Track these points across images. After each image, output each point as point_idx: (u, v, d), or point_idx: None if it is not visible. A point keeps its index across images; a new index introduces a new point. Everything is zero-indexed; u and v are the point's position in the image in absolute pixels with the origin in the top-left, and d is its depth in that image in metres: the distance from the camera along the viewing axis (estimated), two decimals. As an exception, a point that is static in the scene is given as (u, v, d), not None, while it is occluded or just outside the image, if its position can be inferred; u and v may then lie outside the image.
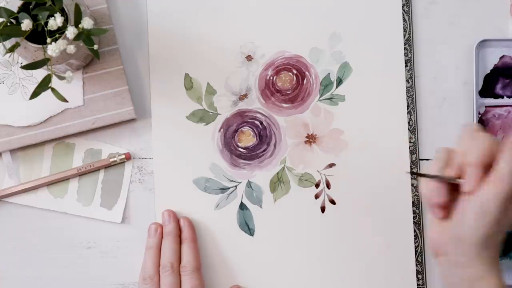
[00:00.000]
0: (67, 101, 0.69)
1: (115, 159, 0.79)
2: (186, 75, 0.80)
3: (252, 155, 0.79)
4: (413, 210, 0.78)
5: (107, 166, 0.79)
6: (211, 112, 0.80)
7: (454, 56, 0.80)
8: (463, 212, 0.65)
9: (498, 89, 0.79)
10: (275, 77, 0.80)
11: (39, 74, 0.78)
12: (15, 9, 0.69)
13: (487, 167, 0.63)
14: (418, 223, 0.78)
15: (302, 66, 0.80)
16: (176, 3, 0.81)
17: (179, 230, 0.77)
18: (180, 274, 0.75)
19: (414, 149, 0.78)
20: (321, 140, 0.79)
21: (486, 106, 0.79)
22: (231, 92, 0.80)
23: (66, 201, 0.79)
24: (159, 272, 0.75)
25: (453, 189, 0.65)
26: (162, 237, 0.77)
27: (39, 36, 0.68)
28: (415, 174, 0.75)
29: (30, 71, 0.79)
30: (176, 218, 0.78)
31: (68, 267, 0.79)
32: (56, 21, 0.66)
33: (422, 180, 0.67)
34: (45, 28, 0.67)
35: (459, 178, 0.64)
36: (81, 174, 0.79)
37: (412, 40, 0.79)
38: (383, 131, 0.79)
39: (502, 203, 0.63)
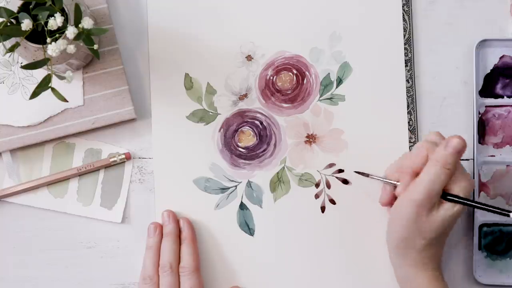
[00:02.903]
0: (67, 101, 0.69)
1: (115, 159, 0.79)
2: (186, 75, 0.80)
3: (252, 155, 0.79)
4: (413, 210, 0.78)
5: (107, 166, 0.79)
6: (211, 112, 0.80)
7: (454, 56, 0.80)
8: (391, 212, 0.72)
9: (498, 89, 0.79)
10: (275, 77, 0.80)
11: (39, 74, 0.78)
12: (15, 9, 0.69)
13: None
14: (418, 223, 0.78)
15: (302, 66, 0.80)
16: (176, 3, 0.81)
17: (179, 230, 0.77)
18: (179, 275, 0.75)
19: (414, 149, 0.78)
20: (321, 140, 0.79)
21: (486, 106, 0.79)
22: (231, 92, 0.80)
23: (66, 201, 0.79)
24: (159, 272, 0.75)
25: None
26: (161, 237, 0.77)
27: (39, 36, 0.68)
28: (361, 173, 0.77)
29: (30, 71, 0.79)
30: (175, 219, 0.78)
31: (68, 267, 0.79)
32: (56, 21, 0.66)
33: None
34: (45, 28, 0.67)
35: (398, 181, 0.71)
36: (81, 174, 0.79)
37: (412, 40, 0.79)
38: (383, 131, 0.79)
39: (414, 209, 0.68)
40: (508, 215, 0.67)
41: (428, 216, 0.68)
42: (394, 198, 0.72)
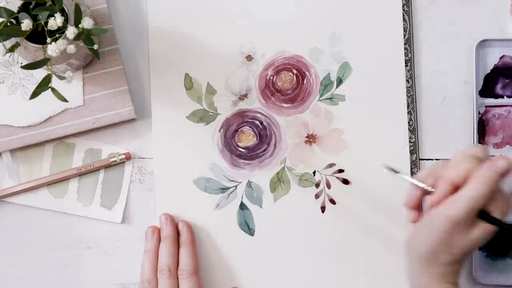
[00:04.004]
0: (67, 101, 0.69)
1: (115, 159, 0.79)
2: (186, 75, 0.80)
3: (252, 155, 0.79)
4: (413, 210, 0.78)
5: (107, 166, 0.79)
6: (211, 112, 0.80)
7: (454, 56, 0.80)
8: (420, 222, 0.68)
9: (498, 89, 0.79)
10: (275, 77, 0.80)
11: (39, 74, 0.78)
12: (15, 9, 0.69)
13: (458, 187, 0.65)
14: (418, 223, 0.78)
15: (302, 66, 0.80)
16: (176, 3, 0.80)
17: (177, 233, 0.77)
18: (178, 277, 0.75)
19: (414, 149, 0.78)
20: (321, 140, 0.79)
21: (486, 106, 0.79)
22: (231, 92, 0.80)
23: (66, 201, 0.79)
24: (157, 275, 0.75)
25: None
26: (159, 241, 0.77)
27: (39, 36, 0.68)
28: (391, 170, 0.72)
29: (30, 71, 0.79)
30: (173, 222, 0.77)
31: (68, 267, 0.79)
32: (56, 21, 0.66)
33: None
34: (45, 28, 0.67)
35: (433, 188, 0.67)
36: (81, 174, 0.79)
37: (412, 40, 0.79)
38: (383, 131, 0.79)
39: (449, 225, 0.65)
40: None
41: (462, 234, 0.65)
42: (420, 203, 0.69)
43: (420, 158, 0.79)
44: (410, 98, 0.79)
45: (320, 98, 0.80)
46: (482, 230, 0.65)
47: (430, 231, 0.66)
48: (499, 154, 0.79)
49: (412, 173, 0.78)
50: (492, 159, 0.65)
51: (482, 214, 0.64)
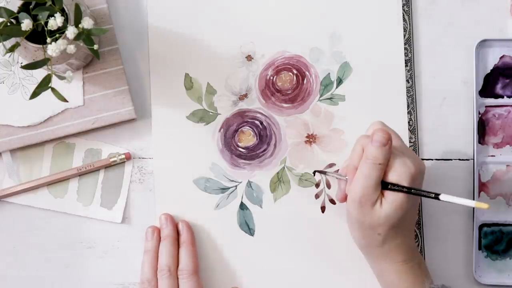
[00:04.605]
0: (67, 101, 0.69)
1: (115, 159, 0.79)
2: (186, 75, 0.80)
3: (252, 155, 0.79)
4: (413, 210, 0.78)
5: (107, 166, 0.79)
6: (211, 112, 0.80)
7: (454, 56, 0.80)
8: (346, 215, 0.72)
9: (498, 89, 0.79)
10: (275, 77, 0.80)
11: (39, 74, 0.78)
12: (15, 9, 0.69)
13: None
14: (418, 223, 0.78)
15: (302, 66, 0.80)
16: (176, 3, 0.81)
17: (177, 233, 0.77)
18: (178, 278, 0.74)
19: (414, 149, 0.78)
20: (321, 140, 0.79)
21: (486, 106, 0.79)
22: (231, 92, 0.80)
23: (66, 201, 0.79)
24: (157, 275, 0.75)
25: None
26: (159, 241, 0.77)
27: (39, 36, 0.68)
28: (319, 172, 0.78)
29: (30, 71, 0.79)
30: (173, 222, 0.77)
31: (68, 267, 0.79)
32: (56, 21, 0.66)
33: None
34: (45, 28, 0.67)
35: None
36: (81, 174, 0.79)
37: (412, 40, 0.79)
38: (383, 131, 0.79)
39: (356, 209, 0.68)
40: (438, 198, 0.66)
41: (373, 212, 0.67)
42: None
43: (420, 158, 0.79)
44: (410, 98, 0.79)
45: (320, 98, 0.80)
46: (391, 200, 0.67)
47: (350, 220, 0.70)
48: (499, 154, 0.79)
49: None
50: (372, 134, 0.67)
51: (384, 184, 0.67)
